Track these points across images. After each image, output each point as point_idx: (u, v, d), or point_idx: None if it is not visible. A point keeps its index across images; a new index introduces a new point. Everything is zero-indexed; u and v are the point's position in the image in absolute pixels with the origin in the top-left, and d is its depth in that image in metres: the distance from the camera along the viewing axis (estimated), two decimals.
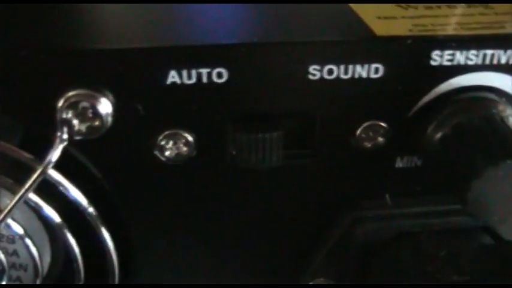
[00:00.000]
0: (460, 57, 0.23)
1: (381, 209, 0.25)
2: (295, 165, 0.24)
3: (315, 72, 0.23)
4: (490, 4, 0.26)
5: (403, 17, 0.25)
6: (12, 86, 0.22)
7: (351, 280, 0.26)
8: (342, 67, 0.23)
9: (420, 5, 0.26)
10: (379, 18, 0.25)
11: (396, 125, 0.24)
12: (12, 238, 0.26)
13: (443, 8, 0.26)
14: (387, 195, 0.25)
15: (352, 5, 0.26)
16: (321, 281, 0.26)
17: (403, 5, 0.26)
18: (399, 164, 0.25)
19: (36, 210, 0.25)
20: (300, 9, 0.25)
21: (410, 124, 0.24)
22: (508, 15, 0.25)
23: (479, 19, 0.25)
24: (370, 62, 0.23)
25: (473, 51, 0.23)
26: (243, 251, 0.26)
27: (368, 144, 0.24)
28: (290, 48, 0.22)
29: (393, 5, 0.26)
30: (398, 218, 0.25)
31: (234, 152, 0.24)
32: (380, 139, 0.24)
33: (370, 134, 0.24)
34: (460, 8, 0.26)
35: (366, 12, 0.25)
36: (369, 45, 0.23)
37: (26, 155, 0.24)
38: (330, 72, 0.23)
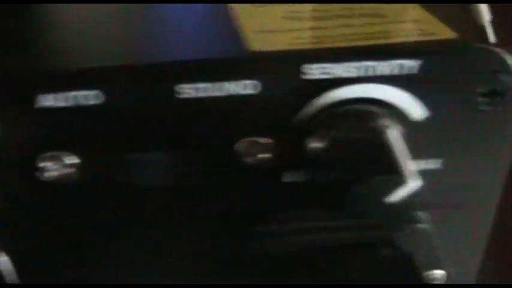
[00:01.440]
0: (337, 69, 0.23)
1: (273, 224, 0.25)
2: (182, 185, 0.24)
3: (188, 91, 0.23)
4: (384, 14, 0.26)
5: (286, 31, 0.24)
6: None
7: None
8: (217, 85, 0.23)
9: (309, 17, 0.25)
10: (261, 32, 0.24)
11: (278, 140, 0.24)
12: None
13: (332, 20, 0.25)
14: (280, 211, 0.25)
15: (241, 17, 0.25)
16: None
17: (288, 15, 0.25)
18: (287, 178, 0.25)
19: None
20: (183, 23, 0.26)
21: (292, 138, 0.24)
22: (398, 24, 0.25)
23: (366, 30, 0.25)
24: (244, 78, 0.23)
25: (353, 63, 0.23)
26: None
27: (251, 160, 0.24)
28: (159, 69, 0.23)
29: (282, 17, 0.25)
30: (292, 234, 0.25)
31: (116, 173, 0.24)
32: (263, 155, 0.24)
33: (253, 149, 0.24)
34: (348, 19, 0.25)
35: (251, 26, 0.25)
36: (241, 62, 0.23)
37: None
38: (202, 90, 0.23)
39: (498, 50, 0.24)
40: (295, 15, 0.26)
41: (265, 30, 0.24)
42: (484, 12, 0.69)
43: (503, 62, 0.24)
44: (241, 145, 0.24)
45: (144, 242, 0.26)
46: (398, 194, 0.21)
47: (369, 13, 0.26)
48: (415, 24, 0.25)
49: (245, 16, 0.25)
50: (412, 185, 0.21)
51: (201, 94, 0.23)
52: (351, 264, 0.25)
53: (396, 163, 0.22)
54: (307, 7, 0.26)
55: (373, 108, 0.24)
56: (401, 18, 0.25)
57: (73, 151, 0.24)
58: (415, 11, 0.26)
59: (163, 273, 0.26)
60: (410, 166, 0.22)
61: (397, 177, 0.22)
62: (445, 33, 0.24)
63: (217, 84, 0.23)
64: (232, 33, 0.24)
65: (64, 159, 0.24)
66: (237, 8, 0.26)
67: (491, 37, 0.70)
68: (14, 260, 0.25)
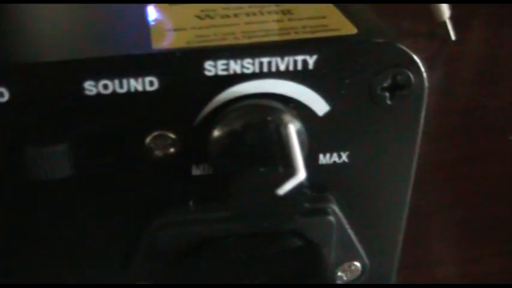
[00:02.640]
0: (235, 66, 0.24)
1: (183, 215, 0.26)
2: (90, 176, 0.25)
3: (90, 88, 0.24)
4: (292, 11, 0.26)
5: (192, 28, 0.25)
6: None
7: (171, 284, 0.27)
8: (117, 82, 0.24)
9: (218, 15, 0.26)
10: (169, 30, 0.25)
11: (184, 135, 0.25)
12: None
13: (240, 18, 0.26)
14: (190, 202, 0.26)
15: (156, 17, 0.26)
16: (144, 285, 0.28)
17: (201, 13, 0.26)
18: (196, 171, 0.26)
19: None
20: (95, 21, 0.27)
21: (197, 133, 0.25)
22: (302, 20, 0.26)
23: (268, 26, 0.25)
24: (144, 75, 0.24)
25: (249, 60, 0.24)
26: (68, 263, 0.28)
27: (160, 154, 0.25)
28: (65, 67, 0.24)
29: (193, 16, 0.26)
30: (201, 224, 0.26)
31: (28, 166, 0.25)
32: (171, 149, 0.25)
33: (160, 144, 0.25)
34: (256, 17, 0.26)
35: (161, 24, 0.26)
36: (139, 59, 0.24)
37: None
38: (105, 87, 0.24)
39: (397, 44, 0.24)
40: (208, 13, 0.26)
41: (173, 28, 0.25)
42: (445, 10, 0.69)
43: (403, 56, 0.24)
44: (149, 140, 0.25)
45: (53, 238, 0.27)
46: (287, 187, 0.22)
47: (277, 10, 0.26)
48: (319, 21, 0.25)
49: (159, 15, 0.26)
50: (300, 177, 0.22)
51: (104, 91, 0.24)
52: (256, 254, 0.26)
53: (285, 155, 0.23)
54: (223, 6, 0.27)
55: (272, 103, 0.24)
56: (306, 15, 0.26)
57: None
58: (324, 8, 0.26)
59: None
60: (301, 159, 0.23)
61: (285, 170, 0.22)
62: (348, 29, 0.25)
63: (117, 81, 0.24)
64: (141, 32, 0.25)
65: None
66: (154, 7, 0.27)
67: (451, 33, 0.70)
68: None
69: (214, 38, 0.25)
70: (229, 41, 0.24)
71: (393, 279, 0.30)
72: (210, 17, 0.26)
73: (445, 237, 0.41)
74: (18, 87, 0.24)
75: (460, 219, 0.43)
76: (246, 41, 0.24)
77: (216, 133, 0.24)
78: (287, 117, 0.24)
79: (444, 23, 0.63)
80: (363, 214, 0.27)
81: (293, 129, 0.24)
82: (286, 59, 0.24)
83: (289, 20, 0.26)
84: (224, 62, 0.24)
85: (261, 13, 0.26)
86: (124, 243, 0.27)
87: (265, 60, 0.24)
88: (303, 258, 0.26)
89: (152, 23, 0.26)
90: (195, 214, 0.26)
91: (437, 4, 0.62)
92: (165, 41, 0.24)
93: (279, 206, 0.23)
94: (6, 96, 0.24)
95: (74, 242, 0.27)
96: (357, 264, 0.28)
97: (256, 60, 0.24)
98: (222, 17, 0.26)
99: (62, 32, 0.26)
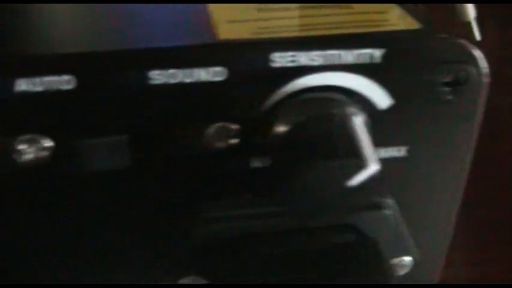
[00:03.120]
0: (302, 58, 0.24)
1: (238, 208, 0.26)
2: (146, 168, 0.25)
3: (157, 77, 0.24)
4: (351, 5, 0.26)
5: (253, 20, 0.25)
6: None
7: (220, 277, 0.27)
8: (185, 71, 0.24)
9: (274, 8, 0.26)
10: (229, 21, 0.25)
11: (246, 126, 0.25)
12: None
13: (300, 10, 0.26)
14: (245, 195, 0.26)
15: (212, 6, 0.26)
16: (191, 278, 0.27)
17: (262, 6, 0.26)
18: (254, 163, 0.26)
19: None
20: (155, 13, 0.26)
21: (259, 124, 0.25)
22: (363, 14, 0.26)
23: (331, 20, 0.25)
24: (212, 65, 0.24)
25: (316, 52, 0.24)
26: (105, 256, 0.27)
27: (220, 145, 0.25)
28: (131, 55, 0.23)
29: (249, 7, 0.26)
30: (256, 218, 0.26)
31: (86, 156, 0.25)
32: (232, 140, 0.25)
33: (222, 135, 0.25)
34: (312, 9, 0.26)
35: (219, 15, 0.26)
36: (209, 49, 0.24)
37: None
38: (173, 76, 0.24)
39: (460, 40, 0.25)
40: (267, 6, 0.26)
41: (235, 20, 0.25)
42: (470, 10, 0.70)
43: (464, 52, 0.25)
44: (211, 130, 0.25)
45: (110, 229, 0.27)
46: (359, 178, 0.22)
47: (336, 5, 0.26)
48: (379, 16, 0.26)
49: (217, 8, 0.26)
50: (372, 169, 0.22)
51: (171, 80, 0.24)
52: (312, 248, 0.26)
53: (357, 148, 0.23)
54: None
55: (338, 96, 0.24)
56: (366, 9, 0.26)
57: (48, 134, 0.25)
58: (382, 4, 0.27)
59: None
60: (372, 151, 0.23)
61: (357, 161, 0.22)
62: (409, 24, 0.25)
63: (186, 71, 0.24)
64: (203, 23, 0.25)
65: (40, 142, 0.25)
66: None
67: (477, 34, 0.70)
68: None
69: (277, 29, 0.25)
70: (294, 33, 0.24)
71: (438, 277, 0.30)
72: (270, 9, 0.26)
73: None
74: (85, 75, 0.23)
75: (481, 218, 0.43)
76: (309, 33, 0.24)
77: (279, 125, 0.24)
78: (353, 110, 0.24)
79: (469, 23, 0.63)
80: (416, 209, 0.28)
81: (361, 121, 0.24)
82: (353, 52, 0.24)
83: (349, 14, 0.26)
84: (292, 53, 0.24)
85: (321, 6, 0.26)
86: (173, 235, 0.27)
87: (332, 52, 0.24)
88: (359, 253, 0.26)
89: (210, 15, 0.26)
90: (250, 207, 0.26)
91: (463, 4, 0.63)
92: (230, 32, 0.24)
93: (345, 198, 0.23)
94: (73, 84, 0.24)
95: (125, 234, 0.27)
96: (408, 259, 0.28)
97: (324, 53, 0.24)
98: (282, 9, 0.26)
99: (121, 25, 0.26)
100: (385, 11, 0.26)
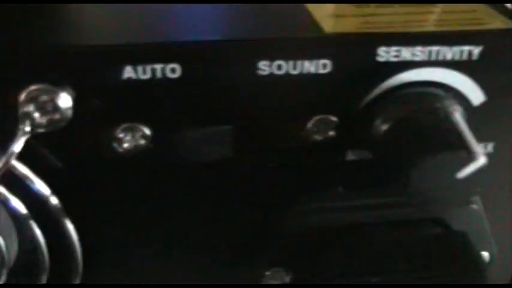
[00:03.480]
0: (406, 53, 0.24)
1: (332, 200, 0.26)
2: (246, 159, 0.25)
3: (264, 68, 0.24)
4: (440, 5, 0.27)
5: (354, 15, 0.26)
6: None
7: (307, 270, 0.27)
8: (291, 63, 0.24)
9: (372, 4, 0.27)
10: (331, 16, 0.26)
11: (345, 119, 0.25)
12: None
13: (395, 7, 0.26)
14: (339, 187, 0.26)
15: (309, 5, 0.27)
16: (276, 270, 0.27)
17: (357, 4, 0.27)
18: (350, 156, 0.26)
19: (3, 202, 0.26)
20: (256, 9, 0.27)
21: (359, 118, 0.25)
22: (456, 13, 0.26)
23: (424, 17, 0.26)
24: (318, 58, 0.24)
25: (420, 48, 0.24)
26: (197, 245, 0.27)
27: (319, 138, 0.25)
28: (240, 45, 0.24)
29: (347, 4, 0.27)
30: (350, 210, 0.26)
31: (186, 145, 0.25)
32: (330, 132, 0.25)
33: (321, 127, 0.25)
34: (411, 7, 0.27)
35: (320, 12, 0.26)
36: (316, 42, 0.24)
37: None
38: (279, 68, 0.24)
39: None
40: (364, 5, 0.27)
41: (335, 15, 0.26)
42: None
43: None
44: (311, 123, 0.25)
45: (204, 219, 0.27)
46: (467, 171, 0.23)
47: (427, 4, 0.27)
48: (471, 14, 0.26)
49: (315, 6, 0.26)
50: (480, 162, 0.23)
51: (278, 72, 0.24)
52: (403, 241, 0.26)
53: (464, 141, 0.23)
54: None
55: (438, 91, 0.25)
56: (457, 8, 0.27)
57: (147, 123, 0.25)
58: (469, 4, 0.27)
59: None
60: (477, 144, 0.23)
61: (465, 154, 0.23)
62: (504, 23, 0.26)
63: (293, 63, 0.24)
64: (307, 18, 0.25)
65: (139, 131, 0.25)
66: None
67: None
68: (80, 230, 0.26)
69: (381, 25, 0.25)
70: (397, 28, 0.25)
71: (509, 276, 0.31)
72: (366, 6, 0.26)
73: None
74: (191, 64, 0.24)
75: None
76: (412, 29, 0.25)
77: (381, 119, 0.25)
78: (453, 105, 0.25)
79: None
80: (497, 204, 0.28)
81: (461, 116, 0.24)
82: (453, 48, 0.24)
83: (443, 12, 0.26)
84: (397, 48, 0.24)
85: (413, 5, 0.27)
86: (264, 226, 0.27)
87: (434, 49, 0.24)
88: (448, 246, 0.26)
89: (309, 11, 0.26)
90: (343, 200, 0.26)
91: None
92: (335, 26, 0.25)
93: (443, 193, 0.24)
94: (178, 73, 0.24)
95: (217, 224, 0.27)
96: (486, 254, 0.29)
97: (427, 49, 0.24)
98: (377, 6, 0.27)
99: (229, 15, 0.27)
100: (475, 10, 0.27)
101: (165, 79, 0.24)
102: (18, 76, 0.23)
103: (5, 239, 0.27)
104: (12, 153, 0.24)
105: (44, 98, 0.24)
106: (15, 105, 0.23)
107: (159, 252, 0.27)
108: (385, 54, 0.24)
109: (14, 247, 0.28)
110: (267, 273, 0.27)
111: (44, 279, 0.27)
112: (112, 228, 0.26)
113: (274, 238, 0.27)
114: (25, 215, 0.26)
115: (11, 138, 0.24)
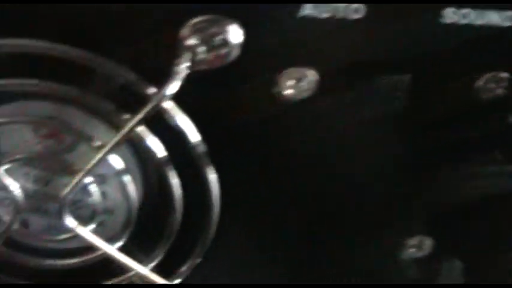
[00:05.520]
0: None
1: (491, 165, 0.25)
2: (415, 114, 0.24)
3: (451, 15, 0.22)
4: None
5: None
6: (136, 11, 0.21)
7: (452, 238, 0.26)
8: (479, 12, 0.22)
9: None
10: None
11: None
12: (103, 177, 0.24)
13: None
14: (496, 152, 0.25)
15: None
16: (418, 238, 0.26)
17: None
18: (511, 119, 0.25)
19: (135, 143, 0.24)
20: None
21: None
22: None
23: None
24: (506, 9, 0.22)
25: None
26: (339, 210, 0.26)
27: (487, 96, 0.24)
28: None
29: None
30: (505, 177, 0.25)
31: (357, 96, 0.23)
32: (500, 91, 0.24)
33: (492, 85, 0.24)
34: None
35: None
36: None
37: (143, 84, 0.22)
38: (465, 16, 0.22)
39: None
40: None
41: None
42: None
43: None
44: (481, 80, 0.24)
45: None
46: None
47: None
48: None
49: None
50: None
51: (462, 21, 0.22)
52: None
53: None
54: None
55: None
56: None
57: (315, 67, 0.22)
58: None
59: None
60: None
61: None
62: None
63: (480, 12, 0.22)
64: None
65: (305, 75, 0.22)
66: None
67: None
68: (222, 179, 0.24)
69: None
70: None
71: None
72: None
73: None
74: (377, 5, 0.21)
75: None
76: None
77: None
78: None
79: None
80: None
81: None
82: None
83: None
84: None
85: None
86: (417, 193, 0.25)
87: None
88: None
89: None
90: (503, 165, 0.25)
91: None
92: None
93: None
94: (361, 13, 0.21)
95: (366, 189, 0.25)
96: None
97: None
98: None
99: None
100: None
101: (346, 19, 0.21)
102: (181, 5, 0.21)
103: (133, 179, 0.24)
104: (166, 94, 0.21)
105: (212, 30, 0.21)
106: (174, 39, 0.21)
107: (297, 214, 0.25)
108: None
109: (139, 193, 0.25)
110: (410, 241, 0.26)
111: (175, 224, 0.24)
112: (254, 183, 0.24)
113: (421, 204, 0.25)
114: (162, 157, 0.23)
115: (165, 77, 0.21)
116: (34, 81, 0.22)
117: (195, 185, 0.24)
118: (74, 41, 0.21)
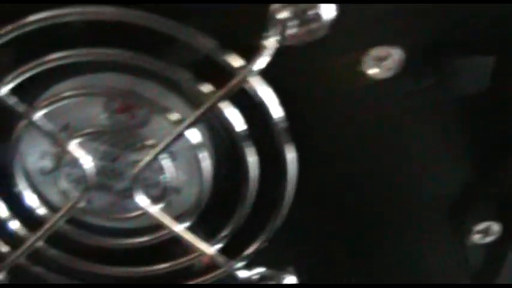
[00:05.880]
0: None
1: None
2: (496, 96, 0.23)
3: None
4: None
5: None
6: None
7: None
8: None
9: None
10: None
11: None
12: (176, 153, 0.24)
13: None
14: None
15: None
16: (486, 223, 0.26)
17: None
18: None
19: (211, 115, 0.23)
20: None
21: None
22: None
23: None
24: None
25: None
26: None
27: None
28: None
29: None
30: None
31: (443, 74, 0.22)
32: None
33: None
34: None
35: None
36: None
37: (229, 57, 0.21)
38: None
39: None
40: None
41: None
42: None
43: None
44: None
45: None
46: None
47: None
48: None
49: None
50: None
51: None
52: None
53: None
54: None
55: None
56: None
57: (400, 45, 0.22)
58: None
59: None
60: None
61: None
62: None
63: None
64: None
65: (391, 54, 0.22)
66: None
67: None
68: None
69: None
70: None
71: None
72: None
73: None
74: None
75: None
76: None
77: None
78: None
79: None
80: None
81: None
82: None
83: None
84: None
85: None
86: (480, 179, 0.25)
87: None
88: None
89: None
90: None
91: None
92: None
93: None
94: None
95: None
96: None
97: None
98: None
99: None
100: None
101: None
102: None
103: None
104: (254, 68, 0.21)
105: (305, 4, 0.21)
106: (264, 12, 0.20)
107: (369, 203, 0.25)
108: None
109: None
110: (477, 227, 0.26)
111: (246, 205, 0.24)
112: (331, 164, 0.24)
113: (489, 190, 0.25)
114: (241, 132, 0.23)
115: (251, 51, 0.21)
116: (109, 51, 0.22)
117: (272, 164, 0.23)
118: (155, 9, 0.21)
